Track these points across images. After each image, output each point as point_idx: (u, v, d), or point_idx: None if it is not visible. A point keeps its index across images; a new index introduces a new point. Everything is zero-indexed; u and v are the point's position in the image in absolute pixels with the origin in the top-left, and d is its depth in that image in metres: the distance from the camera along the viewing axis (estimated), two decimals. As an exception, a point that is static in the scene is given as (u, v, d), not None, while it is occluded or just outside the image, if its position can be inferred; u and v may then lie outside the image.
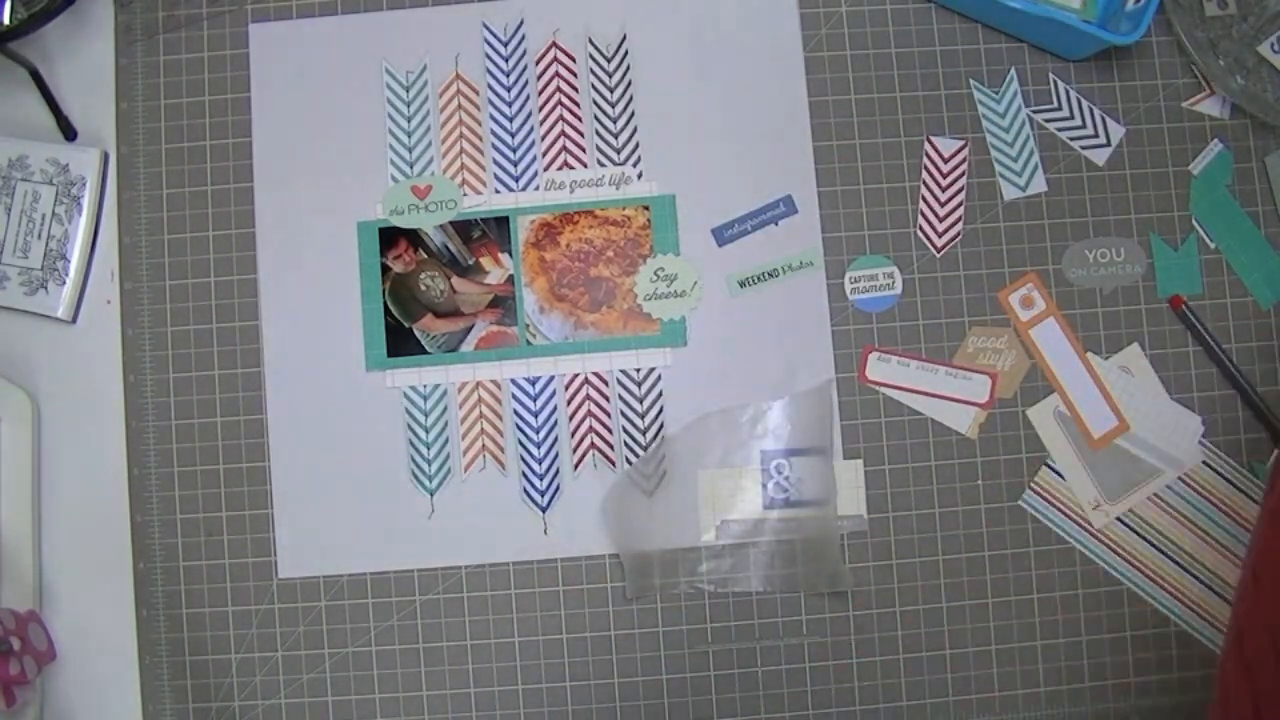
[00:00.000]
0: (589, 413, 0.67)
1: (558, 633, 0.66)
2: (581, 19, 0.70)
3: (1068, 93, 0.69)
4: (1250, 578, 0.55)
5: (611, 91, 0.69)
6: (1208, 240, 0.68)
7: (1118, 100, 0.70)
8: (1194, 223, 0.69)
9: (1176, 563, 0.67)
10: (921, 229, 0.69)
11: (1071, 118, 0.69)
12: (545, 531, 0.67)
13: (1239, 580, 0.57)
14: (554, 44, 0.70)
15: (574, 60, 0.70)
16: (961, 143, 0.69)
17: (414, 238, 0.68)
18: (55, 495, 0.67)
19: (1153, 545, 0.67)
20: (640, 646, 0.66)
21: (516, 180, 0.69)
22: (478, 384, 0.68)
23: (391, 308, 0.68)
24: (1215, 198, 0.69)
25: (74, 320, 0.68)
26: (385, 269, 0.68)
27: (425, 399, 0.67)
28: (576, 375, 0.68)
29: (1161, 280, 0.68)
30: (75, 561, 0.67)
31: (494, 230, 0.68)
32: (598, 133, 0.69)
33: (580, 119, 0.69)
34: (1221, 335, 0.68)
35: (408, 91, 0.70)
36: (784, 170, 0.69)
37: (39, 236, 0.68)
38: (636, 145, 0.69)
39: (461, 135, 0.69)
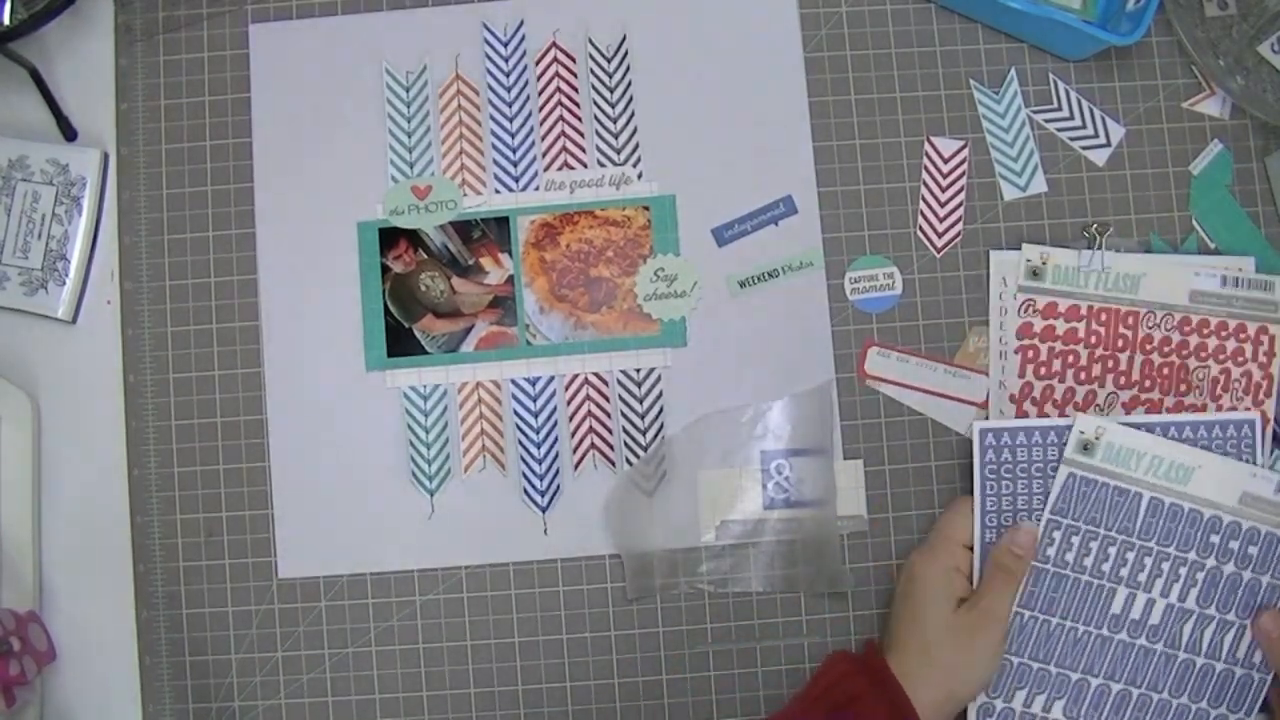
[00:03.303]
0: (589, 413, 0.67)
1: (558, 633, 0.66)
2: (581, 19, 0.70)
3: (1068, 93, 0.69)
4: None
5: (611, 91, 0.69)
6: (1208, 240, 0.68)
7: (1118, 100, 0.70)
8: (1194, 223, 0.68)
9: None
10: (921, 229, 0.69)
11: (1071, 118, 0.69)
12: (545, 531, 0.67)
13: None
14: (554, 44, 0.70)
15: (574, 60, 0.70)
16: (961, 143, 0.69)
17: (414, 238, 0.68)
18: (55, 495, 0.67)
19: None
20: (640, 646, 0.66)
21: (516, 180, 0.69)
22: (478, 384, 0.68)
23: (392, 308, 0.68)
24: (1215, 198, 0.69)
25: (74, 320, 0.68)
26: (385, 269, 0.68)
27: (425, 399, 0.67)
28: (576, 375, 0.68)
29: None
30: (75, 561, 0.67)
31: (494, 230, 0.68)
32: (598, 133, 0.69)
33: (580, 119, 0.69)
34: (1221, 335, 0.68)
35: (408, 91, 0.70)
36: (784, 170, 0.69)
37: (39, 236, 0.68)
38: (636, 145, 0.69)
39: (461, 135, 0.69)
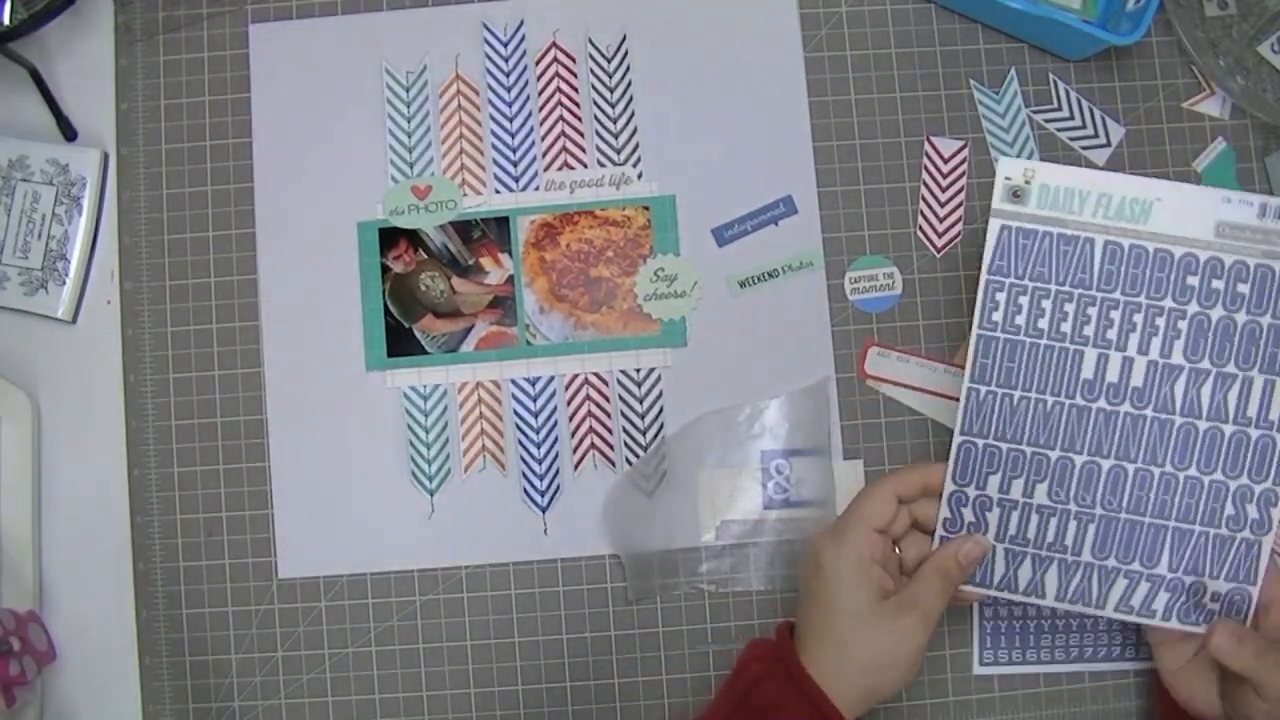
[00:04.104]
0: (589, 413, 0.67)
1: (558, 633, 0.66)
2: (581, 19, 0.70)
3: (1068, 93, 0.69)
4: None
5: (611, 91, 0.69)
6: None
7: (1118, 100, 0.70)
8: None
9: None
10: (921, 229, 0.69)
11: (1071, 118, 0.69)
12: (545, 531, 0.67)
13: None
14: (554, 44, 0.70)
15: (574, 60, 0.70)
16: (961, 143, 0.69)
17: (414, 238, 0.68)
18: (55, 495, 0.67)
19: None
20: (640, 646, 0.66)
21: (516, 180, 0.69)
22: (478, 384, 0.68)
23: (391, 308, 0.68)
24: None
25: (74, 320, 0.68)
26: (385, 269, 0.68)
27: (425, 399, 0.67)
28: (576, 375, 0.68)
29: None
30: (75, 561, 0.67)
31: (494, 230, 0.68)
32: (598, 133, 0.69)
33: (580, 119, 0.69)
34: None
35: (408, 91, 0.70)
36: (784, 170, 0.69)
37: (39, 237, 0.68)
38: (636, 145, 0.69)
39: (461, 135, 0.69)
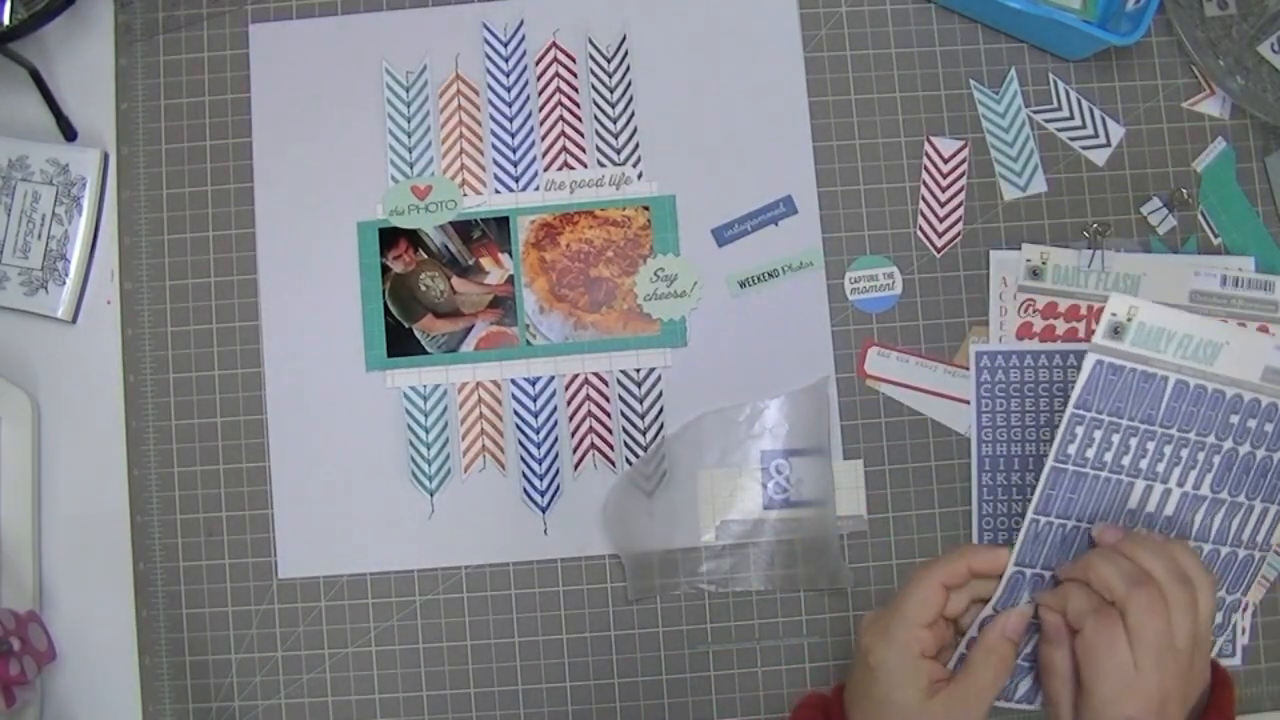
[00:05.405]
0: (589, 413, 0.67)
1: (558, 633, 0.66)
2: (581, 19, 0.70)
3: (1068, 93, 0.69)
4: None
5: (611, 91, 0.69)
6: (1211, 236, 0.68)
7: (1118, 100, 0.70)
8: (1200, 215, 0.68)
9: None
10: (921, 229, 0.68)
11: (1071, 118, 0.69)
12: (545, 531, 0.67)
13: None
14: (554, 44, 0.70)
15: (574, 60, 0.70)
16: (961, 143, 0.69)
17: (414, 238, 0.68)
18: (55, 495, 0.67)
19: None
20: (640, 646, 0.66)
21: (516, 180, 0.69)
22: (478, 384, 0.68)
23: (391, 308, 0.68)
24: (1225, 193, 0.69)
25: (74, 320, 0.68)
26: (385, 269, 0.68)
27: (425, 399, 0.67)
28: (576, 375, 0.68)
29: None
30: (75, 561, 0.67)
31: (494, 230, 0.68)
32: (598, 133, 0.69)
33: (580, 119, 0.69)
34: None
35: (408, 91, 0.70)
36: (784, 170, 0.69)
37: (39, 237, 0.68)
38: (636, 145, 0.69)
39: (461, 135, 0.69)
